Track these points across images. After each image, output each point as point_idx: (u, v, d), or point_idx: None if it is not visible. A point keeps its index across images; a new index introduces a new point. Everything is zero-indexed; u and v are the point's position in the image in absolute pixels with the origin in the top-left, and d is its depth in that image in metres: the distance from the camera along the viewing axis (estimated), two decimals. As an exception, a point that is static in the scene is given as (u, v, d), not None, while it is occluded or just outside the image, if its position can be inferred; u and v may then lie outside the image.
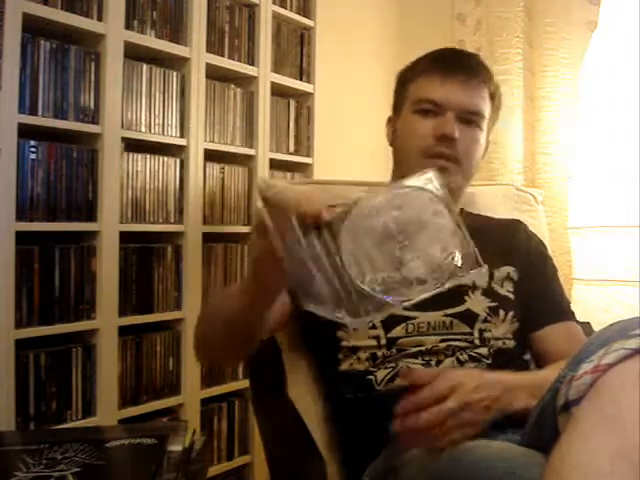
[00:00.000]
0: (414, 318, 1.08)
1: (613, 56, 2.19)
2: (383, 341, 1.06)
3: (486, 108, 1.18)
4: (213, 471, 1.77)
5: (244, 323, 0.91)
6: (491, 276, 1.15)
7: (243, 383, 1.86)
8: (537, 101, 2.40)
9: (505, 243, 1.23)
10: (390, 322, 1.06)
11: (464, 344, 1.08)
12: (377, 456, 1.02)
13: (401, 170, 1.20)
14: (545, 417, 0.75)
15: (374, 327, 1.07)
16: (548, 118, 2.38)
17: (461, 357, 1.06)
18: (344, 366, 1.07)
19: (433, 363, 1.05)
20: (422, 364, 1.05)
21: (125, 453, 0.87)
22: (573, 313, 1.23)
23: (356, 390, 1.06)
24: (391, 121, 1.27)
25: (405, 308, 1.06)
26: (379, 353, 1.06)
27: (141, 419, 1.59)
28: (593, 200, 2.05)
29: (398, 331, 1.07)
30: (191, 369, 1.71)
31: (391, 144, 1.26)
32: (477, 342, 1.09)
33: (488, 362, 1.07)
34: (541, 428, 0.77)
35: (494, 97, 1.21)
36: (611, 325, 0.73)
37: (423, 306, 1.06)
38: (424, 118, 1.15)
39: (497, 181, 2.29)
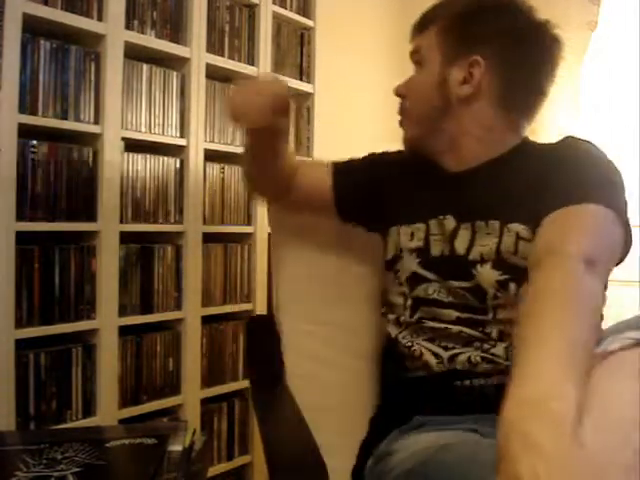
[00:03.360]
0: (435, 282, 1.03)
1: (613, 56, 2.19)
2: (409, 302, 1.05)
3: (428, 43, 1.08)
4: (213, 471, 1.77)
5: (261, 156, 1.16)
6: (500, 238, 0.98)
7: (243, 383, 1.86)
8: (537, 101, 2.40)
9: (529, 185, 0.98)
10: (413, 280, 1.04)
11: (477, 334, 0.99)
12: (380, 442, 1.01)
13: None
14: None
15: (401, 284, 1.06)
16: (548, 118, 2.38)
17: (473, 359, 0.98)
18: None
19: (446, 356, 0.99)
20: (435, 352, 1.00)
21: (125, 453, 0.87)
22: (600, 196, 0.90)
23: None
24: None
25: (425, 268, 1.05)
26: (402, 318, 1.05)
27: (141, 419, 1.59)
28: (593, 200, 2.05)
29: (420, 291, 1.04)
30: (191, 369, 1.71)
31: None
32: (493, 334, 0.98)
33: (507, 364, 0.96)
34: None
35: (451, 28, 1.06)
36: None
37: (441, 273, 1.04)
38: None
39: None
